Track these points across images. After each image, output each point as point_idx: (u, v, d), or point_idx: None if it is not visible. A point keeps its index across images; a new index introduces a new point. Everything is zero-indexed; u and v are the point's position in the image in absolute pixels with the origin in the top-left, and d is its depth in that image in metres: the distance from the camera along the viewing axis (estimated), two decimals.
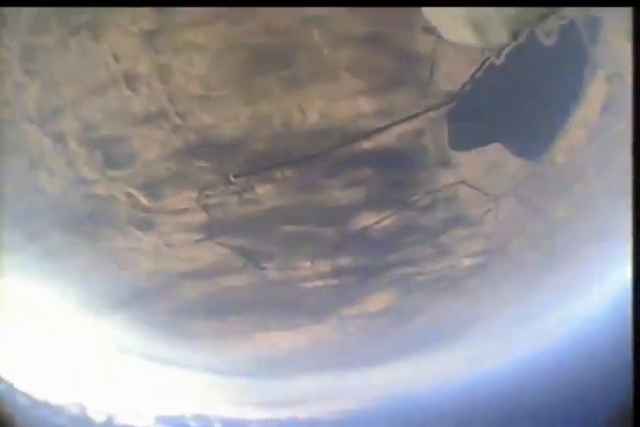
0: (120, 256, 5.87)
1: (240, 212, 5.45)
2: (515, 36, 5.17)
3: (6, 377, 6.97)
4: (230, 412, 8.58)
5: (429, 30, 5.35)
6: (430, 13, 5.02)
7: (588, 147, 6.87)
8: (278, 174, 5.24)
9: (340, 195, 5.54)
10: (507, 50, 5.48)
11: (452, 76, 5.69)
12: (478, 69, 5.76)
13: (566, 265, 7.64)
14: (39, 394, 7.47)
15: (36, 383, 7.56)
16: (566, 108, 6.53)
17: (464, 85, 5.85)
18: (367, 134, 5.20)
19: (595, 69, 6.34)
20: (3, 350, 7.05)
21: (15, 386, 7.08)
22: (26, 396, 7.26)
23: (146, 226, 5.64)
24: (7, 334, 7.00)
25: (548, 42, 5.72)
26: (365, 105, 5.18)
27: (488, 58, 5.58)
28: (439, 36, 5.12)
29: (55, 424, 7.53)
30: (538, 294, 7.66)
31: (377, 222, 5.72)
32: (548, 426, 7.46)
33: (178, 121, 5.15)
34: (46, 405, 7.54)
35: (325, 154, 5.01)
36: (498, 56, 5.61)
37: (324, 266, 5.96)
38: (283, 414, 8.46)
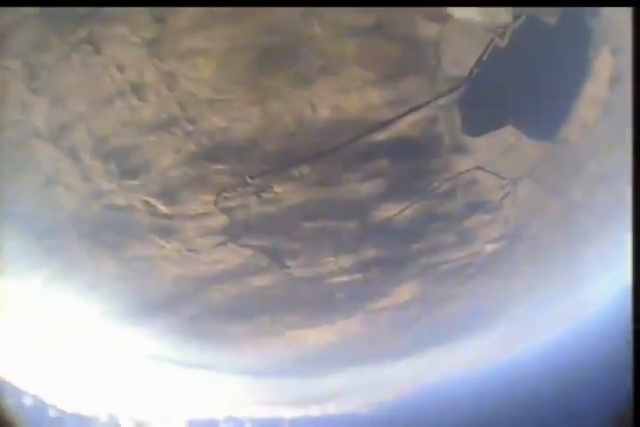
0: (144, 264, 5.87)
1: (260, 212, 5.43)
2: (517, 15, 5.12)
3: (35, 391, 7.02)
4: (262, 412, 8.57)
5: (431, 17, 5.30)
6: None
7: (599, 123, 6.77)
8: (295, 172, 5.20)
9: (359, 188, 5.50)
10: (510, 30, 5.42)
11: (459, 60, 5.61)
12: (484, 52, 5.68)
13: (585, 246, 7.54)
14: (69, 406, 7.53)
15: (66, 395, 7.60)
16: (575, 85, 6.42)
17: (472, 70, 5.77)
18: (380, 125, 5.14)
19: (599, 44, 6.24)
20: (28, 364, 7.10)
21: (44, 399, 7.13)
22: (55, 408, 7.31)
23: (167, 233, 5.64)
24: (32, 347, 7.05)
25: (551, 20, 5.64)
26: (376, 96, 5.12)
27: (492, 40, 5.52)
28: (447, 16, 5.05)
29: None
30: (559, 276, 7.56)
31: (398, 213, 5.66)
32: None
33: (189, 126, 5.13)
34: (77, 416, 7.58)
35: (340, 148, 4.96)
36: (502, 37, 5.55)
37: (349, 260, 5.92)
38: (315, 411, 8.43)
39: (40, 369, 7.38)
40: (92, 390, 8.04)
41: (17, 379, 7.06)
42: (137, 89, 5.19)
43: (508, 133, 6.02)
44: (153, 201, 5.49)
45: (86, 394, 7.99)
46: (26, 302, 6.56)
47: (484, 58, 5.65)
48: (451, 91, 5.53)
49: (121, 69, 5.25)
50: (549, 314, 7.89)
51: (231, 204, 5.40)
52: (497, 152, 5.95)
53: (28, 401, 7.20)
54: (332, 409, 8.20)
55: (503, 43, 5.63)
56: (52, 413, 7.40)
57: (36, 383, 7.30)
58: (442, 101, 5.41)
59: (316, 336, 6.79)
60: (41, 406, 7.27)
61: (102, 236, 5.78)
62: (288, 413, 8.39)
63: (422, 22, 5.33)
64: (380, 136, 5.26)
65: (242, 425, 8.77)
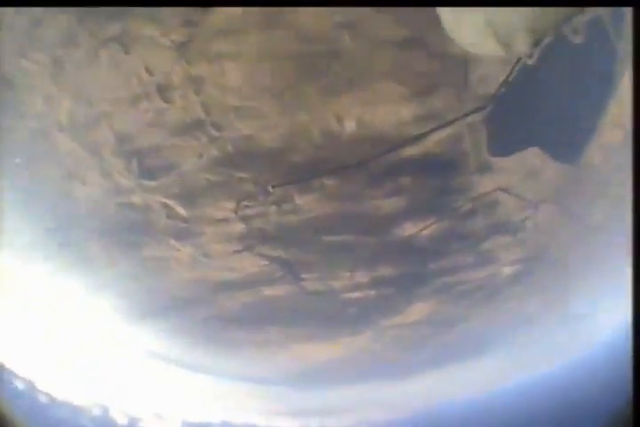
0: (157, 265, 5.84)
1: (279, 222, 5.38)
2: (538, 43, 5.05)
3: (28, 376, 7.01)
4: (259, 420, 8.47)
5: None
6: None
7: (622, 147, 6.67)
8: (317, 184, 5.14)
9: (381, 204, 5.43)
10: (537, 50, 5.35)
11: (487, 78, 5.55)
12: (511, 71, 5.63)
13: (602, 271, 7.40)
14: (62, 394, 7.50)
15: (60, 383, 7.59)
16: (600, 107, 6.33)
17: (499, 88, 5.70)
18: (407, 142, 5.08)
19: (624, 66, 6.15)
20: (28, 350, 7.10)
21: (36, 385, 7.12)
22: (47, 395, 7.29)
23: (183, 236, 5.61)
24: (34, 334, 7.05)
25: (577, 39, 5.55)
26: (404, 111, 5.06)
27: (520, 58, 5.45)
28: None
29: (76, 425, 7.53)
30: (576, 301, 7.43)
31: (418, 231, 5.59)
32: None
33: (214, 132, 5.10)
34: (68, 405, 7.55)
35: (364, 163, 4.91)
36: (530, 56, 5.48)
37: (364, 276, 5.84)
38: (312, 423, 8.33)
39: (39, 356, 7.37)
40: (89, 382, 8.02)
41: (13, 363, 7.05)
42: (163, 91, 5.17)
43: (533, 155, 5.92)
44: (171, 203, 5.47)
45: (83, 385, 7.96)
46: (35, 289, 6.57)
47: (512, 78, 5.59)
48: (478, 109, 5.46)
49: (149, 71, 5.25)
50: (562, 338, 7.75)
51: (250, 212, 5.35)
52: (521, 174, 5.86)
53: (20, 385, 7.18)
54: (330, 424, 8.09)
55: (531, 61, 5.54)
56: (43, 399, 7.37)
57: (32, 369, 7.28)
58: (469, 120, 5.34)
59: (323, 350, 6.71)
60: (33, 391, 7.24)
61: (117, 234, 5.77)
62: (286, 423, 8.29)
63: (450, 37, 5.27)
64: (406, 152, 5.20)
65: None
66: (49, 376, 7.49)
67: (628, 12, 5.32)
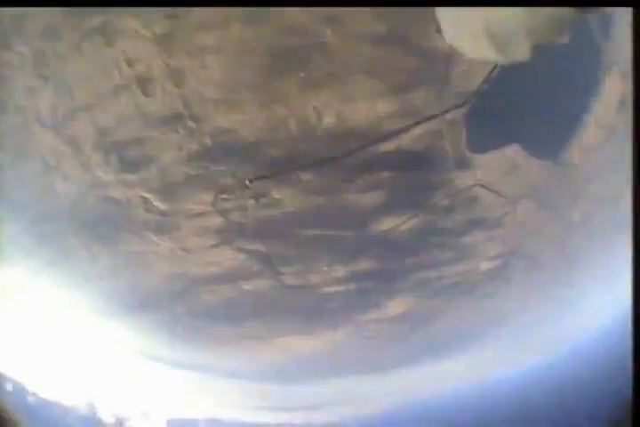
0: (136, 260, 5.83)
1: (257, 216, 5.38)
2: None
3: (16, 377, 6.98)
4: (245, 416, 8.50)
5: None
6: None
7: (604, 146, 6.75)
8: (295, 178, 5.16)
9: (359, 198, 5.45)
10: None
11: (468, 76, 5.58)
12: (493, 69, 5.67)
13: (581, 267, 7.50)
14: (50, 394, 7.48)
15: (47, 384, 7.57)
16: (582, 106, 6.41)
17: (480, 86, 5.74)
18: (385, 137, 5.11)
19: (609, 66, 6.22)
20: (14, 351, 7.07)
21: (25, 386, 7.09)
22: (35, 395, 7.27)
23: (162, 230, 5.59)
24: (19, 334, 7.01)
25: (563, 40, 5.60)
26: (383, 106, 5.09)
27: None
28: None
29: (64, 424, 7.52)
30: (555, 295, 7.52)
31: (396, 226, 5.62)
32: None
33: (193, 125, 5.09)
34: (56, 405, 7.54)
35: (343, 157, 4.94)
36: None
37: (343, 271, 5.87)
38: (299, 418, 8.37)
39: (24, 357, 7.33)
40: (74, 382, 8.00)
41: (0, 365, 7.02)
42: (144, 84, 5.15)
43: (512, 152, 5.98)
44: (150, 197, 5.44)
45: (69, 385, 7.95)
46: (16, 289, 6.52)
47: (493, 75, 5.63)
48: (458, 106, 5.49)
49: (130, 63, 5.22)
50: (542, 334, 7.85)
51: (228, 206, 5.36)
52: (500, 170, 5.92)
53: (8, 386, 7.16)
54: (316, 418, 8.15)
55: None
56: (31, 399, 7.36)
57: (19, 370, 7.25)
58: (448, 116, 5.38)
59: (304, 344, 6.74)
60: (21, 392, 7.22)
61: (97, 228, 5.74)
62: (272, 419, 8.33)
63: (436, 35, 5.30)
64: (384, 148, 5.23)
65: None
66: (35, 377, 7.46)
67: (627, 12, 5.39)
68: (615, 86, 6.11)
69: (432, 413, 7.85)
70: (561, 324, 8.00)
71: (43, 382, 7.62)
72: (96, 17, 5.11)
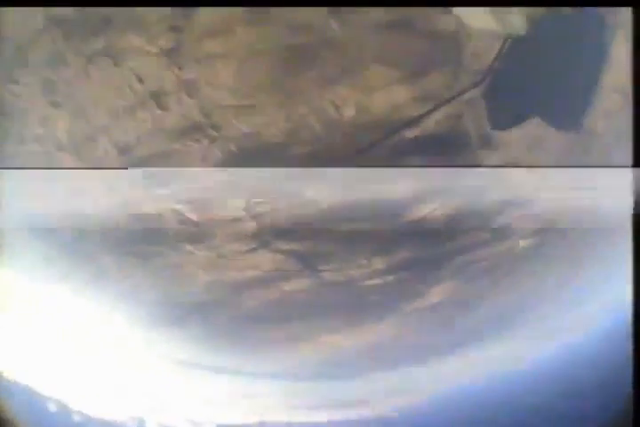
0: (174, 272, 5.86)
1: (290, 216, 5.37)
2: (533, 19, 5.03)
3: (59, 396, 7.05)
4: (297, 416, 8.46)
5: (447, 10, 5.21)
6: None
7: (622, 112, 6.59)
8: (324, 175, 5.13)
9: (389, 188, 5.40)
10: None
11: (480, 53, 5.50)
12: (504, 44, 5.58)
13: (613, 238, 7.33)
14: (95, 411, 7.54)
15: (92, 401, 7.63)
16: (596, 73, 6.27)
17: (492, 63, 5.65)
18: (406, 124, 5.05)
19: (615, 30, 6.08)
20: (57, 370, 7.15)
21: (69, 404, 7.16)
22: (80, 413, 7.34)
23: (197, 239, 5.63)
24: (63, 353, 7.09)
25: (566, 10, 5.51)
26: (400, 94, 5.03)
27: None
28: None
29: None
30: (588, 275, 7.37)
31: (430, 212, 5.56)
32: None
33: (214, 133, 5.10)
34: (103, 421, 7.60)
35: (368, 149, 4.90)
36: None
37: (382, 263, 5.84)
38: (351, 414, 8.32)
39: (68, 376, 7.41)
40: (119, 396, 8.05)
41: (41, 385, 7.09)
42: (158, 98, 5.18)
43: (534, 126, 5.88)
44: (181, 208, 5.49)
45: (113, 400, 8.00)
46: (55, 310, 6.60)
47: (505, 50, 5.54)
48: (474, 85, 5.42)
49: (141, 80, 5.24)
50: (581, 312, 7.69)
51: (261, 209, 5.37)
52: (524, 145, 5.82)
53: (52, 407, 7.22)
54: (367, 412, 8.10)
55: (522, 32, 5.47)
56: (76, 418, 7.41)
57: (62, 389, 7.32)
58: (466, 96, 5.30)
59: (349, 340, 6.73)
60: (65, 410, 7.28)
61: (130, 245, 5.78)
62: (323, 417, 8.29)
63: (440, 16, 5.23)
64: (407, 135, 5.18)
65: None
66: (80, 395, 7.52)
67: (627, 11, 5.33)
68: (623, 49, 6.00)
69: (483, 399, 7.75)
70: (594, 303, 7.82)
71: (87, 400, 7.68)
72: (98, 39, 5.15)
